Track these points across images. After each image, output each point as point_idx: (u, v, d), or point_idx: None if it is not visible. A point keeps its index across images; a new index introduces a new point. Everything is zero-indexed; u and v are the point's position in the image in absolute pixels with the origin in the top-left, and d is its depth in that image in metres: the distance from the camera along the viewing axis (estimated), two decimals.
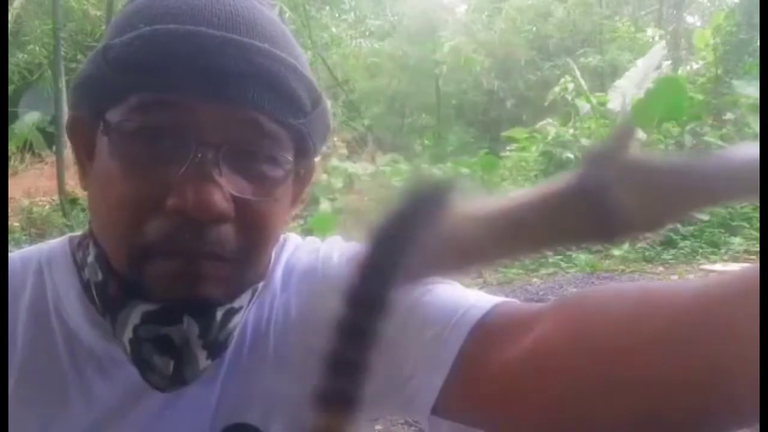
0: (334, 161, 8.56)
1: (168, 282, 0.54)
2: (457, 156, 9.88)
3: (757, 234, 5.77)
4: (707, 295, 0.43)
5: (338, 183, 7.95)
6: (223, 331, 0.58)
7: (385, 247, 0.29)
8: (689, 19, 17.64)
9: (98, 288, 0.59)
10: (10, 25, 8.58)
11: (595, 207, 0.33)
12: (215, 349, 0.58)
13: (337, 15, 15.24)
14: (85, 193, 0.61)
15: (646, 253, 6.18)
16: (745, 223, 6.33)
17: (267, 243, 0.59)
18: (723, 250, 6.23)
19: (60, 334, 0.61)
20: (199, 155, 0.52)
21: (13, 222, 7.31)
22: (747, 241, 6.18)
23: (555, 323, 0.49)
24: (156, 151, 0.53)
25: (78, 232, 0.66)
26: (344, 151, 9.71)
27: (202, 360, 0.58)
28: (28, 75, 10.28)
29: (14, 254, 0.66)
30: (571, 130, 7.79)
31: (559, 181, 0.35)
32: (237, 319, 0.60)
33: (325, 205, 7.11)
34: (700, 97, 8.22)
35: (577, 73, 9.00)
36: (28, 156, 10.24)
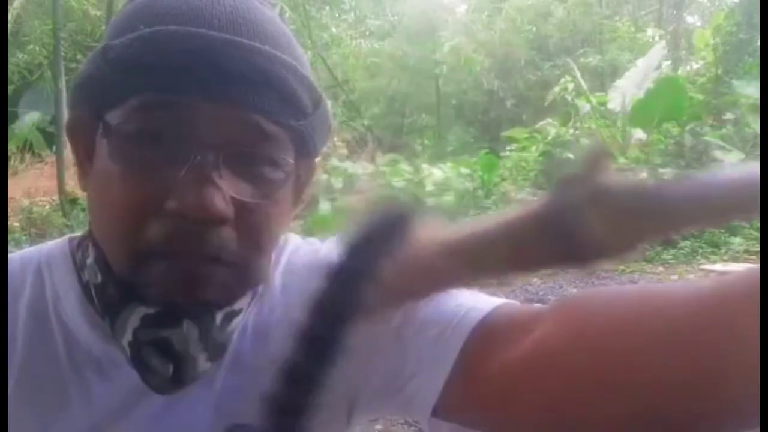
0: (334, 161, 8.55)
1: (167, 285, 0.54)
2: (457, 156, 9.88)
3: (757, 234, 5.77)
4: (707, 296, 0.43)
5: (338, 183, 7.94)
6: (222, 333, 0.58)
7: (353, 264, 0.30)
8: (689, 19, 17.65)
9: (98, 290, 0.59)
10: (10, 25, 8.58)
11: (564, 231, 0.33)
12: (215, 352, 0.58)
13: (337, 15, 15.23)
14: (85, 193, 0.60)
15: (646, 253, 6.18)
16: (745, 223, 6.32)
17: (267, 245, 0.59)
18: (723, 250, 6.23)
19: (59, 336, 0.61)
20: (199, 157, 0.52)
21: (13, 222, 7.31)
22: (747, 241, 6.18)
23: (555, 324, 0.49)
24: (156, 153, 0.53)
25: (78, 233, 0.66)
26: (344, 151, 9.71)
27: (202, 362, 0.58)
28: (28, 75, 10.27)
29: (14, 255, 0.65)
30: (571, 130, 7.79)
31: (530, 205, 0.35)
32: (237, 322, 0.60)
33: (325, 205, 7.10)
34: (700, 97, 8.22)
35: (577, 73, 8.99)
36: (28, 156, 10.24)
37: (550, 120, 8.26)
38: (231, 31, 0.53)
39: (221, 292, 0.56)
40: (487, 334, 0.53)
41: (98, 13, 9.85)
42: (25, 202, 8.00)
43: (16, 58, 9.82)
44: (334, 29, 14.66)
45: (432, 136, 13.43)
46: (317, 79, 0.61)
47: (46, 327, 0.61)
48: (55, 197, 8.09)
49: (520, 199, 6.77)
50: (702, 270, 5.73)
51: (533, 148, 8.09)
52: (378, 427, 3.06)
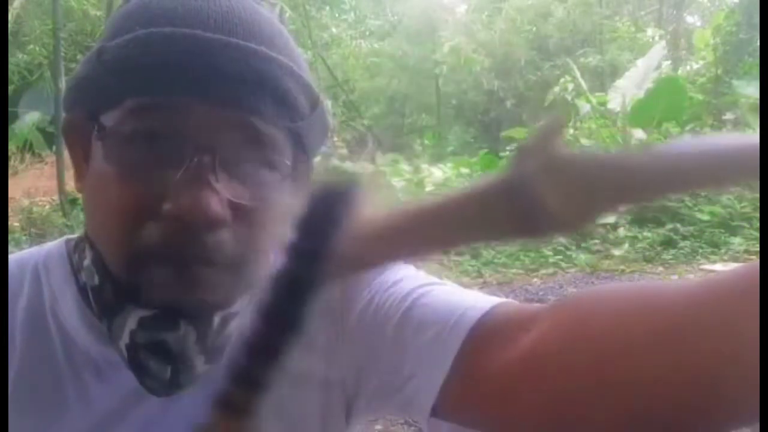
0: (334, 161, 8.55)
1: (164, 288, 0.54)
2: (457, 156, 9.88)
3: (757, 234, 5.77)
4: (705, 293, 0.42)
5: None
6: (220, 336, 0.58)
7: (306, 239, 0.31)
8: (689, 19, 17.65)
9: (95, 292, 0.59)
10: (10, 25, 8.57)
11: (520, 202, 0.33)
12: (213, 354, 0.58)
13: (337, 15, 15.23)
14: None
15: (646, 253, 6.18)
16: (745, 223, 6.33)
17: (265, 247, 0.59)
18: (723, 250, 6.23)
19: (57, 338, 0.61)
20: (195, 160, 0.52)
21: (13, 222, 7.31)
22: (747, 241, 6.18)
23: (553, 323, 0.49)
24: (151, 155, 0.53)
25: (78, 233, 0.66)
26: (344, 151, 9.71)
27: (200, 365, 0.57)
28: (28, 75, 10.27)
29: (11, 257, 0.65)
30: (571, 130, 7.78)
31: (487, 177, 0.34)
32: (234, 324, 0.59)
33: None
34: (700, 97, 8.23)
35: (577, 73, 9.00)
36: (28, 156, 10.23)
37: None
38: (227, 33, 0.53)
39: (218, 294, 0.56)
40: (486, 333, 0.53)
41: (98, 13, 9.85)
42: (25, 202, 7.99)
43: (16, 58, 9.81)
44: (334, 29, 14.66)
45: (432, 136, 13.43)
46: (317, 79, 0.61)
47: (43, 329, 0.61)
48: (55, 197, 8.08)
49: None
50: (702, 270, 5.73)
51: None
52: (378, 427, 3.06)
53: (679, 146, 0.33)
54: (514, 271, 5.85)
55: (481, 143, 11.76)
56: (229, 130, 0.53)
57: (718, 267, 5.65)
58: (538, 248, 6.06)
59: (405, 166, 8.94)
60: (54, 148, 8.89)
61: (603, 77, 12.30)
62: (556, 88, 9.36)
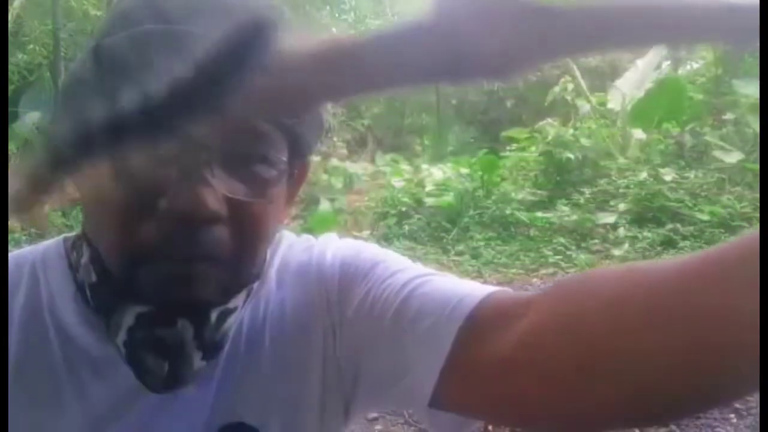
0: (334, 161, 8.55)
1: (161, 284, 0.54)
2: (457, 156, 9.87)
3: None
4: (700, 264, 0.42)
5: (338, 183, 7.94)
6: (218, 332, 0.58)
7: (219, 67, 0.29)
8: None
9: (92, 289, 0.59)
10: (10, 25, 8.58)
11: (446, 42, 0.31)
12: (210, 350, 0.58)
13: (337, 15, 15.23)
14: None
15: (646, 253, 6.17)
16: (745, 223, 6.32)
17: (261, 244, 0.59)
18: None
19: (54, 335, 0.61)
20: (191, 156, 0.52)
21: (13, 222, 7.30)
22: None
23: (548, 308, 0.50)
24: (147, 152, 0.53)
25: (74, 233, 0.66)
26: (344, 151, 9.70)
27: (197, 361, 0.58)
28: (28, 75, 10.26)
29: (9, 255, 0.65)
30: (571, 130, 7.77)
31: (417, 17, 0.32)
32: (232, 320, 0.60)
33: (325, 205, 7.10)
34: (700, 97, 8.21)
35: (577, 73, 8.99)
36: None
37: (550, 120, 8.24)
38: None
39: (215, 290, 0.56)
40: (482, 320, 0.53)
41: (98, 13, 9.84)
42: None
43: (16, 58, 9.80)
44: (334, 29, 14.65)
45: (432, 136, 13.42)
46: None
47: (41, 327, 0.61)
48: None
49: (519, 200, 6.77)
50: None
51: (533, 148, 8.07)
52: (378, 427, 3.06)
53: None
54: (514, 271, 5.85)
55: (481, 143, 11.74)
56: (225, 127, 0.53)
57: None
58: (538, 248, 6.06)
59: (405, 166, 8.94)
60: None
61: (603, 77, 12.29)
62: (556, 88, 9.34)
